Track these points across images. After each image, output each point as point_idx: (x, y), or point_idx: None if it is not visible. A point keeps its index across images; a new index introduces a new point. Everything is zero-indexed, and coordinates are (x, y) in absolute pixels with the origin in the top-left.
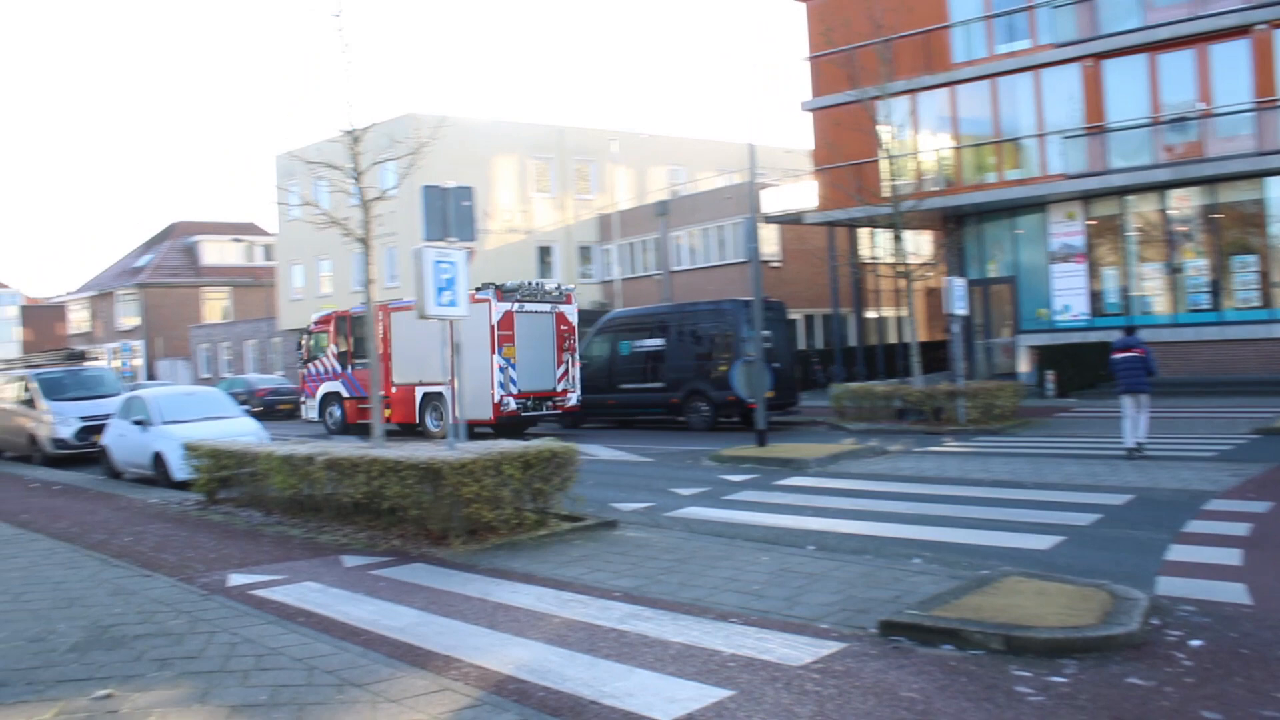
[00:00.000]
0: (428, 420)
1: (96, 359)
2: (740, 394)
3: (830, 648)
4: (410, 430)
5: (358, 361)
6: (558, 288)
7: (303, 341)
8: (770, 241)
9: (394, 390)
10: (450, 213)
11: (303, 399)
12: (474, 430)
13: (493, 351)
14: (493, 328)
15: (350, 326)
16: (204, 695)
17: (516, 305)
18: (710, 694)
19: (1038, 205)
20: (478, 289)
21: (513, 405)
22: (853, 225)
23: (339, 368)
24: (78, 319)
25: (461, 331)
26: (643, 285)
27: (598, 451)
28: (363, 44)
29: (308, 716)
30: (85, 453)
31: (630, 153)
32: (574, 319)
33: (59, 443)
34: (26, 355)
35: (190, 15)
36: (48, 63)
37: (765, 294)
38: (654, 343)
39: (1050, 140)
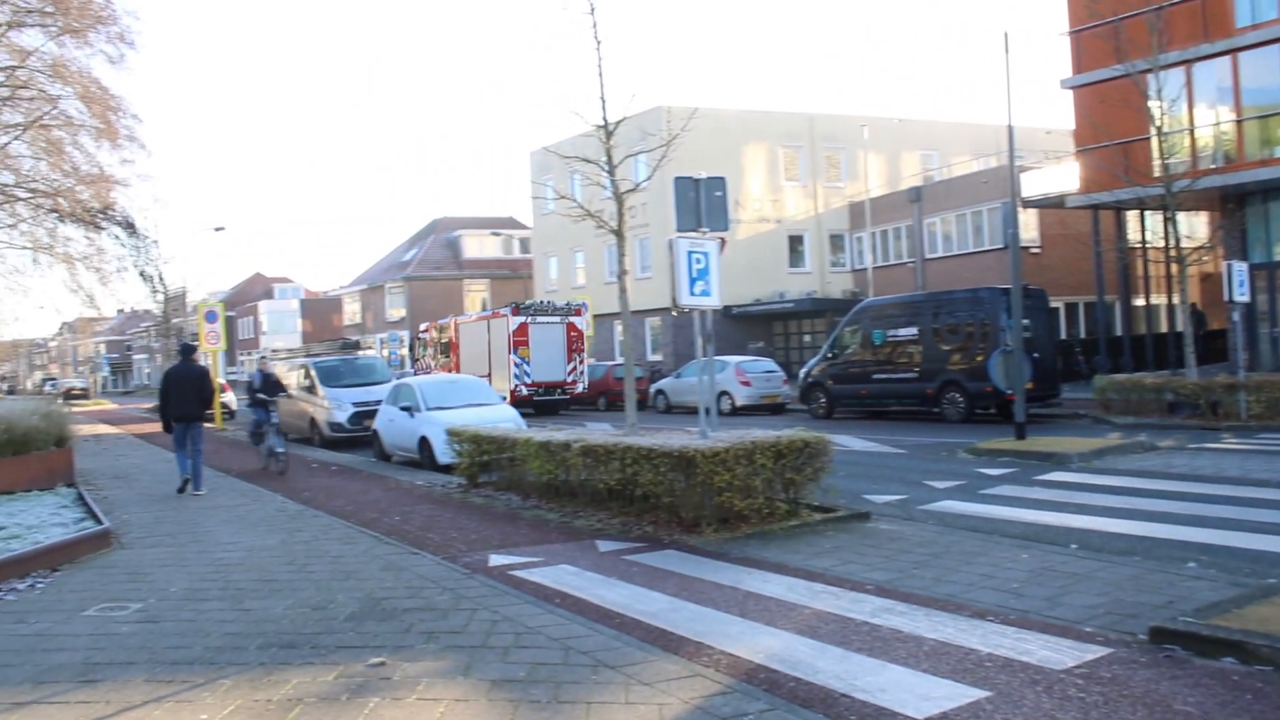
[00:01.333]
0: None
1: (368, 348)
2: (998, 385)
3: (1095, 652)
4: None
5: (443, 359)
6: (567, 304)
7: (414, 343)
8: (1029, 227)
9: None
10: (702, 203)
11: None
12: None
13: (509, 352)
14: (509, 335)
15: (438, 334)
16: (467, 668)
17: (530, 318)
18: (965, 694)
19: None
20: (501, 308)
21: (525, 391)
22: (1119, 208)
23: (430, 365)
24: (351, 311)
25: (492, 336)
26: (895, 273)
27: (849, 442)
28: (615, 38)
29: (564, 695)
30: (358, 436)
31: (881, 138)
32: (583, 326)
33: (335, 426)
34: (306, 345)
35: (448, 19)
36: (324, 76)
37: (1025, 281)
38: (907, 332)
39: None
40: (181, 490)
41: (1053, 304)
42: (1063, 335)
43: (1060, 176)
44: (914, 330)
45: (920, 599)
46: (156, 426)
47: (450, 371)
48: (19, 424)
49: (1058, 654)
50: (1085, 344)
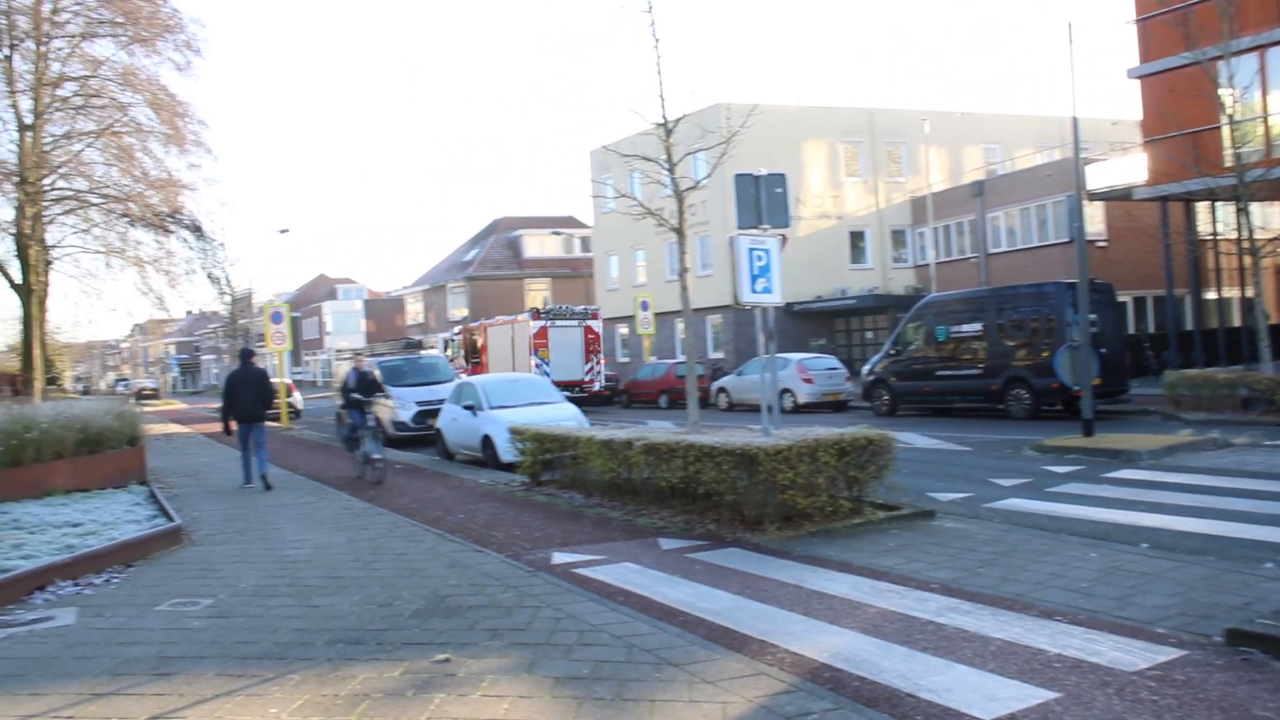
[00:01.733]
0: None
1: (431, 348)
2: (1064, 381)
3: (1168, 654)
4: None
5: (473, 359)
6: (584, 309)
7: (448, 344)
8: (1095, 220)
9: None
10: (763, 200)
11: None
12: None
13: (530, 354)
14: (530, 338)
15: (468, 336)
16: (531, 665)
17: (550, 322)
18: (1034, 695)
19: None
20: (523, 313)
21: None
22: (1189, 199)
23: (463, 365)
24: (414, 311)
25: (515, 338)
26: (958, 269)
27: (913, 439)
28: (673, 36)
29: (627, 693)
30: (422, 435)
31: (943, 132)
32: (599, 329)
33: (399, 425)
34: (370, 344)
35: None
36: (386, 78)
37: (1091, 275)
38: (971, 328)
39: None
40: (247, 485)
41: (1120, 298)
42: (1131, 330)
43: (1127, 168)
44: (978, 326)
45: (986, 598)
46: (218, 426)
47: (480, 371)
48: (94, 424)
49: (1129, 655)
50: (1154, 339)
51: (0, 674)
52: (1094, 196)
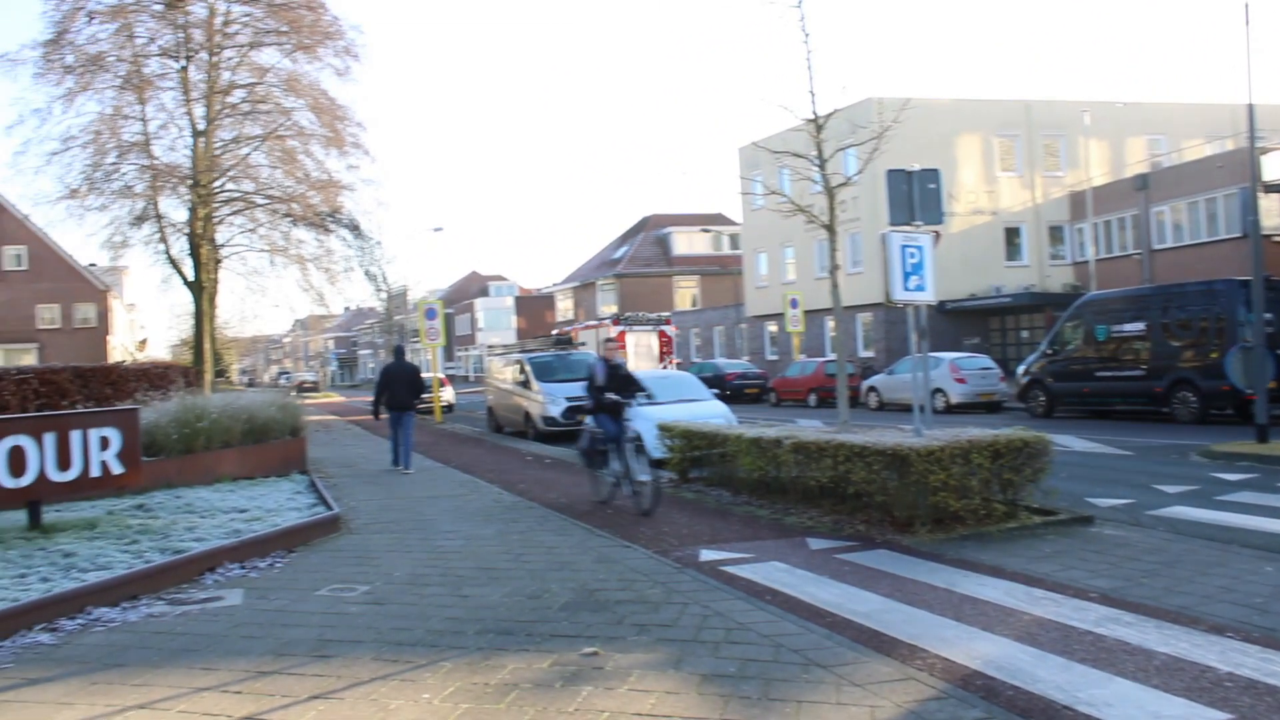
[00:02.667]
0: None
1: (581, 344)
2: (1235, 383)
3: None
4: None
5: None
6: (658, 316)
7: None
8: (1271, 213)
9: None
10: (915, 196)
11: None
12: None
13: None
14: (609, 340)
15: (565, 334)
16: (678, 662)
17: (628, 327)
18: (1203, 714)
19: None
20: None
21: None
22: None
23: None
24: (563, 307)
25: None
26: (1120, 266)
27: (1071, 442)
28: (823, 30)
29: (774, 692)
30: (570, 430)
31: (1104, 124)
32: (672, 334)
33: (548, 420)
34: (521, 340)
35: (658, 17)
36: (537, 77)
37: (1266, 272)
38: (1134, 327)
39: None
40: (394, 468)
41: None
42: None
43: None
44: (1141, 325)
45: (1149, 609)
46: (382, 418)
47: None
48: (259, 414)
49: None
50: None
51: (177, 648)
52: (1270, 188)
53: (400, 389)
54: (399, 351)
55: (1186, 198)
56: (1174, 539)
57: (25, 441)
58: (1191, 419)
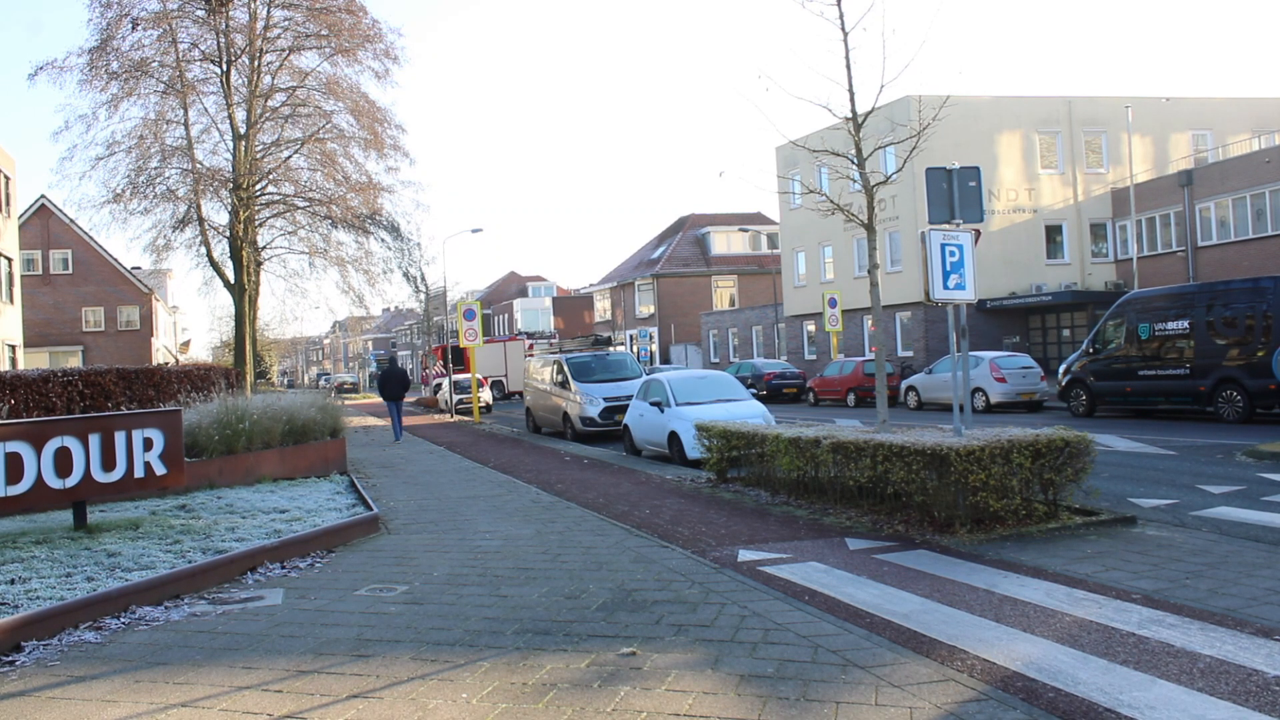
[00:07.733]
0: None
1: (619, 345)
2: None
3: None
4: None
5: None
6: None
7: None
8: None
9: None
10: (955, 194)
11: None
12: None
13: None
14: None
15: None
16: (715, 662)
17: (534, 343)
18: (1249, 719)
19: None
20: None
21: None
22: None
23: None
24: (601, 307)
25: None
26: (1163, 263)
27: (1113, 442)
28: (860, 28)
29: (812, 693)
30: (608, 430)
31: (1147, 119)
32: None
33: (587, 420)
34: (559, 341)
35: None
36: (574, 79)
37: None
38: (1178, 326)
39: None
40: (397, 441)
41: None
42: None
43: None
44: (1185, 323)
45: (1194, 612)
46: (420, 419)
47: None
48: (299, 416)
49: None
50: None
51: (219, 646)
52: None
53: (392, 386)
54: (392, 360)
55: (1232, 193)
56: (1219, 540)
57: (71, 442)
58: (1237, 418)
